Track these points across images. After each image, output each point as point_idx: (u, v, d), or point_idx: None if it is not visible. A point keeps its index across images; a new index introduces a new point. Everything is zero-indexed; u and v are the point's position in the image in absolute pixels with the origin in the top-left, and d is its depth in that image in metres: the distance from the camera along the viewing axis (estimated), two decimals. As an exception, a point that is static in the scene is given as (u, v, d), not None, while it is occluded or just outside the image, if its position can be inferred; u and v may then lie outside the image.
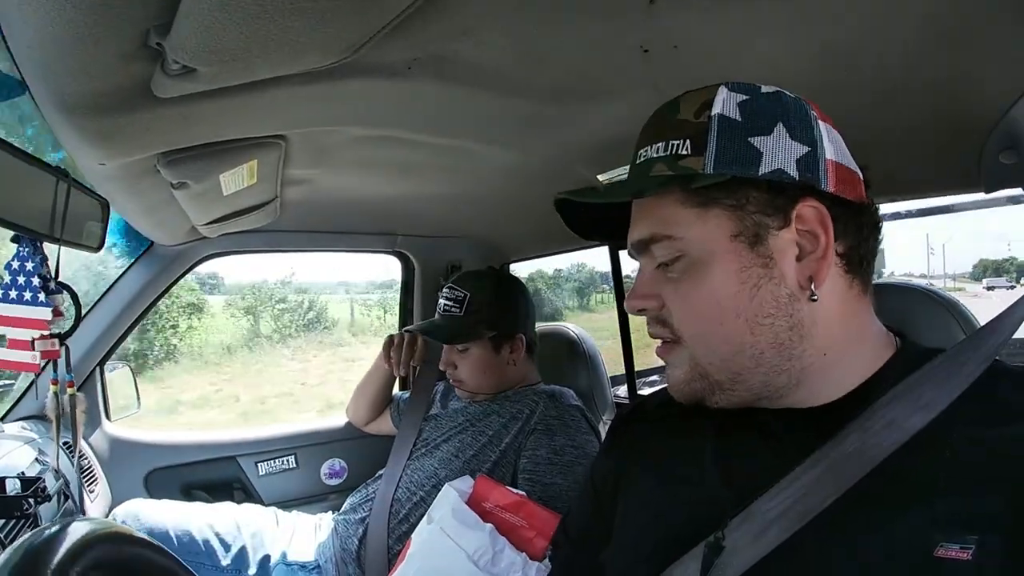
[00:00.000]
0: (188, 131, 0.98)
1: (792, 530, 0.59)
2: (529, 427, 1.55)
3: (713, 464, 0.70)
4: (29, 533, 0.47)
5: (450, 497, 1.33)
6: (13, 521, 1.10)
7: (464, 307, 1.67)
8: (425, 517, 1.35)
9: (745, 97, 0.65)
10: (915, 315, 0.89)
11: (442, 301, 1.72)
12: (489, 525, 1.25)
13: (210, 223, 1.51)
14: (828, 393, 0.65)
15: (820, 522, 0.58)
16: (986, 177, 1.00)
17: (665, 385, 0.75)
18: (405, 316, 2.39)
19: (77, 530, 0.47)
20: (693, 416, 0.73)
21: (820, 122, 0.65)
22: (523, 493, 1.33)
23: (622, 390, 2.19)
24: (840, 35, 0.81)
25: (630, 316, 2.10)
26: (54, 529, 0.46)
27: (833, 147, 0.65)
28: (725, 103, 0.64)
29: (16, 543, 0.45)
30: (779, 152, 0.63)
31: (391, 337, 1.90)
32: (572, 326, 1.99)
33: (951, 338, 0.86)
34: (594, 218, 0.79)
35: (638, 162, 0.69)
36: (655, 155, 0.67)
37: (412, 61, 0.90)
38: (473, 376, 1.68)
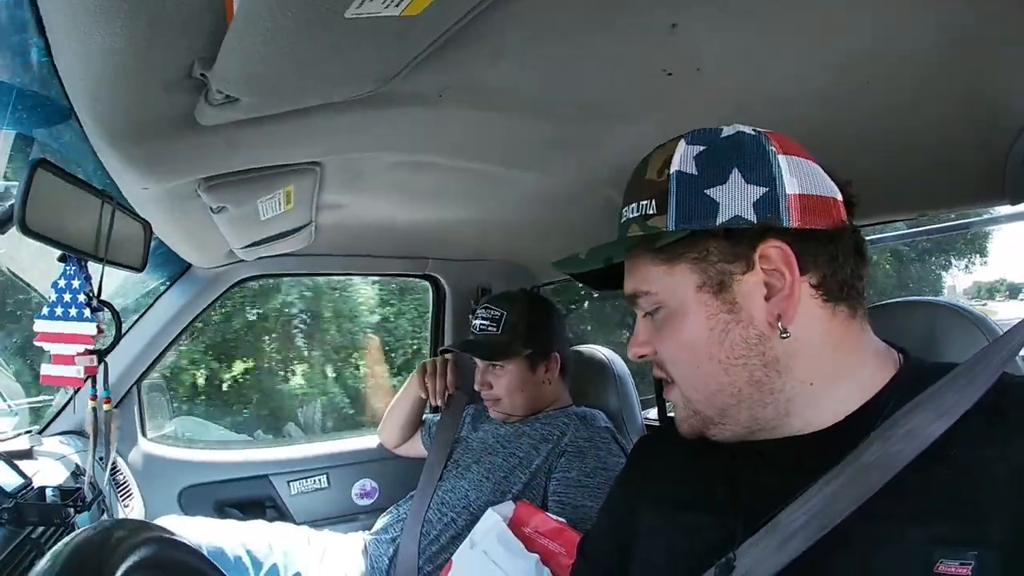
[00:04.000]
0: (229, 158, 1.02)
1: (813, 539, 0.61)
2: (559, 449, 1.54)
3: (723, 491, 0.73)
4: (78, 531, 0.48)
5: (494, 522, 1.32)
6: (52, 529, 1.12)
7: (500, 326, 1.68)
8: (467, 540, 1.34)
9: (701, 148, 0.68)
10: (944, 331, 0.87)
11: (477, 321, 1.73)
12: (535, 555, 1.24)
13: (247, 247, 1.55)
14: (822, 419, 0.68)
15: (832, 536, 0.61)
16: (1011, 188, 0.98)
17: None
18: (435, 339, 2.40)
19: (123, 530, 0.49)
20: (705, 447, 0.76)
21: (781, 157, 0.66)
22: (563, 520, 1.32)
23: (652, 413, 2.16)
24: (858, 45, 0.81)
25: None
26: (99, 529, 0.48)
27: (797, 179, 0.66)
28: (683, 159, 0.68)
29: (64, 540, 0.47)
30: (735, 199, 0.66)
31: (424, 365, 1.91)
32: (602, 348, 1.98)
33: None
34: (600, 273, 0.81)
35: (621, 222, 0.75)
36: (631, 216, 0.72)
37: (443, 88, 0.93)
38: (509, 395, 1.68)
